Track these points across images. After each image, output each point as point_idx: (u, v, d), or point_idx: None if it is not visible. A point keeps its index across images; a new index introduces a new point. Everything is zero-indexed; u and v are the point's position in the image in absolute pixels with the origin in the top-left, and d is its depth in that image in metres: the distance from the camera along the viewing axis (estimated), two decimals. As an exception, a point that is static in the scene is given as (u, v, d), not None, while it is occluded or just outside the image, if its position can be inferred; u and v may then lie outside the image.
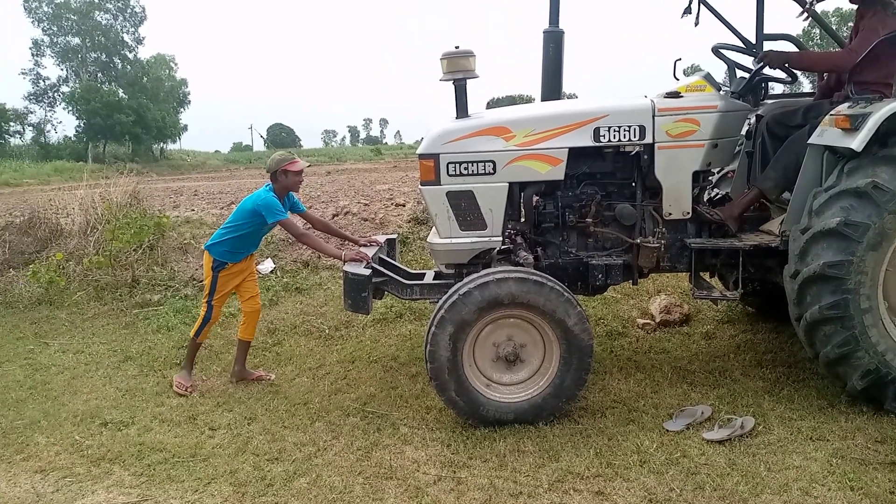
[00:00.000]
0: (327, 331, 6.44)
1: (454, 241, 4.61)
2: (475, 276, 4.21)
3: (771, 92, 5.53)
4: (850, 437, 3.90)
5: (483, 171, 4.50)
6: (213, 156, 62.28)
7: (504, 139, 4.49)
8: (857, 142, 3.88)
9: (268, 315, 6.85)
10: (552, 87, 5.30)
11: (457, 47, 4.37)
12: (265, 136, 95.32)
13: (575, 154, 4.54)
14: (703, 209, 4.76)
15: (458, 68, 4.39)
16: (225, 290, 5.30)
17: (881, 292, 4.05)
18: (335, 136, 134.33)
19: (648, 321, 6.08)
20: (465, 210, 4.55)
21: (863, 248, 3.92)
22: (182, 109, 59.01)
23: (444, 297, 4.21)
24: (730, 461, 3.71)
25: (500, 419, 4.21)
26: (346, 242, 5.78)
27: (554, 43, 5.23)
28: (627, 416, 4.36)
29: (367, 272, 4.61)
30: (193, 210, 10.95)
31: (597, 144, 4.51)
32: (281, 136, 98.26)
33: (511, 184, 4.56)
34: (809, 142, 4.30)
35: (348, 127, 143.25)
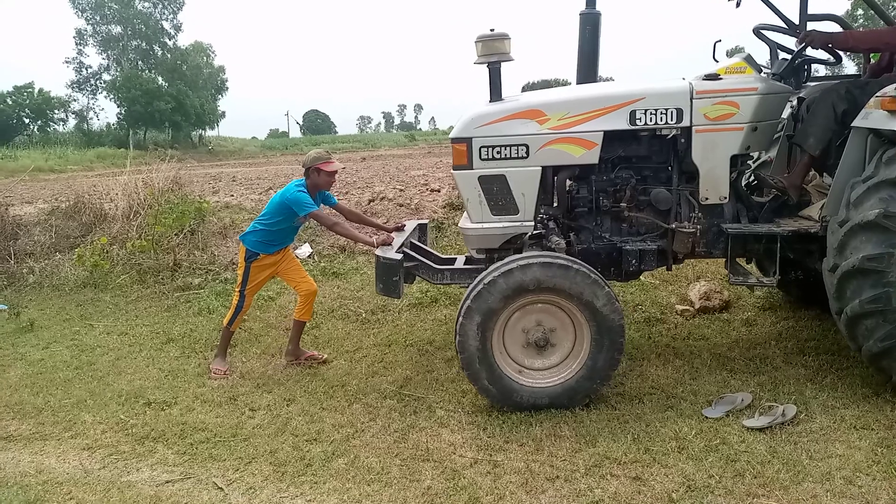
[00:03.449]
0: (364, 315, 6.49)
1: (486, 225, 4.58)
2: (499, 263, 4.19)
3: (815, 74, 5.37)
4: (896, 426, 3.82)
5: (516, 155, 4.45)
6: (251, 142, 62.95)
7: (538, 122, 4.44)
8: None
9: (305, 299, 6.93)
10: (588, 70, 5.23)
11: (492, 30, 4.33)
12: (301, 123, 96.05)
13: (610, 137, 4.48)
14: (765, 176, 4.66)
15: (493, 51, 4.34)
16: (257, 280, 5.37)
17: None
18: (370, 123, 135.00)
19: (687, 307, 6.00)
20: (497, 194, 4.52)
21: None
22: (220, 96, 59.68)
23: (470, 287, 4.21)
24: (771, 449, 3.66)
25: (534, 404, 4.20)
26: (380, 231, 5.82)
27: (590, 25, 5.16)
28: (665, 402, 4.32)
29: (399, 257, 4.62)
30: (232, 195, 11.12)
31: (633, 128, 4.43)
32: (316, 123, 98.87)
33: (544, 168, 4.52)
34: (854, 124, 4.15)
35: (383, 113, 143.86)
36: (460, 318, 4.14)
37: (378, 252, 4.73)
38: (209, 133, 59.54)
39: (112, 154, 35.39)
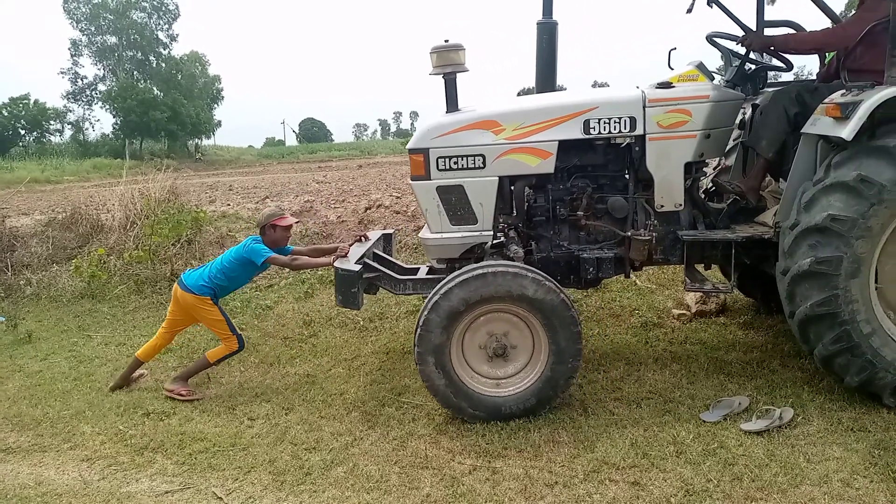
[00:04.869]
0: (362, 322, 6.50)
1: (445, 235, 4.60)
2: (427, 298, 4.20)
3: (777, 80, 5.39)
4: (893, 427, 3.83)
5: (473, 166, 4.48)
6: (247, 151, 62.92)
7: (493, 133, 4.46)
8: (847, 131, 3.76)
9: (303, 307, 6.94)
10: (546, 80, 5.24)
11: (446, 41, 4.35)
12: (297, 131, 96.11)
13: (565, 147, 4.50)
14: (723, 181, 4.70)
15: (448, 62, 4.35)
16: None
17: (874, 288, 3.96)
18: (366, 130, 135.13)
19: (684, 312, 6.02)
20: (456, 204, 4.54)
21: (852, 243, 3.83)
22: (216, 106, 59.71)
23: (414, 333, 4.21)
24: (768, 452, 3.67)
25: (525, 409, 4.19)
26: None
27: (547, 34, 5.17)
28: (663, 406, 4.33)
29: (357, 268, 4.59)
30: (229, 205, 11.12)
31: (587, 137, 4.46)
32: (313, 131, 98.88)
33: (501, 178, 4.53)
34: (803, 131, 4.18)
35: (379, 120, 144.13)
36: (419, 365, 4.16)
37: (336, 264, 4.72)
38: (205, 142, 59.62)
39: (108, 164, 35.35)
